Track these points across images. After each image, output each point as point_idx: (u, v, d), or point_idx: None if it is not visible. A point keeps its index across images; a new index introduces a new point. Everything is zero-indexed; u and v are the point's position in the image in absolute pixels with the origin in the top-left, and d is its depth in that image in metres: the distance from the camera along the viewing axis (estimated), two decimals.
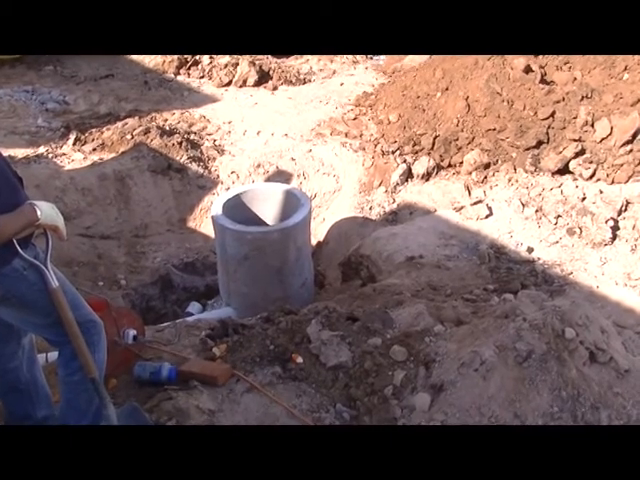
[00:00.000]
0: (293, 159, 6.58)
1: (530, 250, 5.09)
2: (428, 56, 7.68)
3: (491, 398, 2.74)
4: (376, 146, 6.58)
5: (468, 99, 6.39)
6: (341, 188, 6.50)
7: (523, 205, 5.51)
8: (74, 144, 6.40)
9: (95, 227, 5.74)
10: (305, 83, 8.44)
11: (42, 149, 6.23)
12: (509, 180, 5.88)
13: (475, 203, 5.64)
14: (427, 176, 6.25)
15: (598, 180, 5.56)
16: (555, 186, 5.61)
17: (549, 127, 5.92)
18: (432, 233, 5.32)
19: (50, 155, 6.15)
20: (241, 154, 6.63)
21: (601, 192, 5.43)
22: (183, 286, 5.66)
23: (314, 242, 5.99)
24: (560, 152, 5.78)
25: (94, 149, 6.36)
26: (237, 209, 4.89)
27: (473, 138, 6.23)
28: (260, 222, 5.08)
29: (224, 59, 8.33)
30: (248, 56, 8.29)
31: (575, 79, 6.15)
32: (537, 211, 5.42)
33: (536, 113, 5.99)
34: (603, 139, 5.61)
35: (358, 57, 9.37)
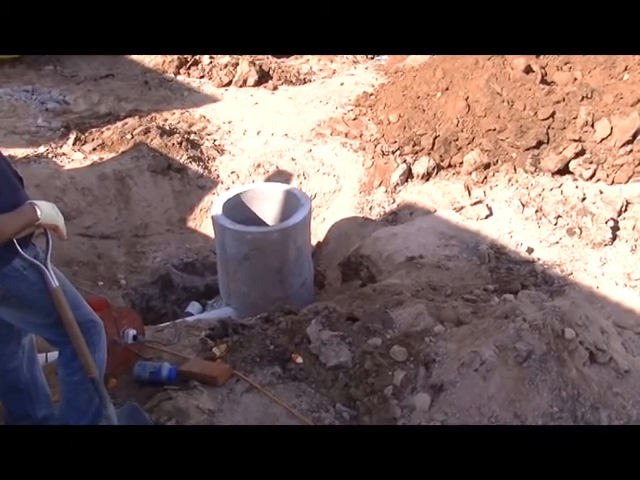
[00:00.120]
0: (293, 159, 6.58)
1: (530, 250, 5.09)
2: (429, 56, 7.67)
3: (491, 398, 2.74)
4: (376, 146, 6.58)
5: (468, 99, 6.39)
6: (341, 188, 6.50)
7: (523, 205, 5.51)
8: (74, 144, 6.40)
9: (95, 227, 5.74)
10: (305, 83, 8.44)
11: (42, 149, 6.23)
12: (509, 180, 5.88)
13: (475, 203, 5.64)
14: (427, 176, 6.25)
15: (598, 180, 5.55)
16: (555, 186, 5.61)
17: (549, 127, 5.92)
18: (432, 233, 5.32)
19: (50, 155, 6.15)
20: (241, 154, 6.63)
21: (601, 192, 5.43)
22: (183, 286, 5.66)
23: (314, 242, 5.99)
24: (560, 152, 5.78)
25: (94, 149, 6.36)
26: (237, 209, 4.89)
27: (473, 138, 6.23)
28: (260, 222, 5.08)
29: (224, 59, 8.33)
30: (248, 56, 8.29)
31: (575, 79, 6.15)
32: (537, 211, 5.42)
33: (536, 113, 5.99)
34: (603, 139, 5.61)
35: (358, 57, 9.37)
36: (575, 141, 5.75)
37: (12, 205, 2.08)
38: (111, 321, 2.99)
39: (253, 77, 8.10)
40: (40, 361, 2.68)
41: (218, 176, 6.45)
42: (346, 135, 6.91)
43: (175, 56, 8.39)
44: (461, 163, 6.21)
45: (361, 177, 6.40)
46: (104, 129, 6.64)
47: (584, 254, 5.02)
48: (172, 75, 8.32)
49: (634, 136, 5.51)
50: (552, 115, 5.93)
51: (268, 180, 6.37)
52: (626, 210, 5.24)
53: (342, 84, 8.25)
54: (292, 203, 4.88)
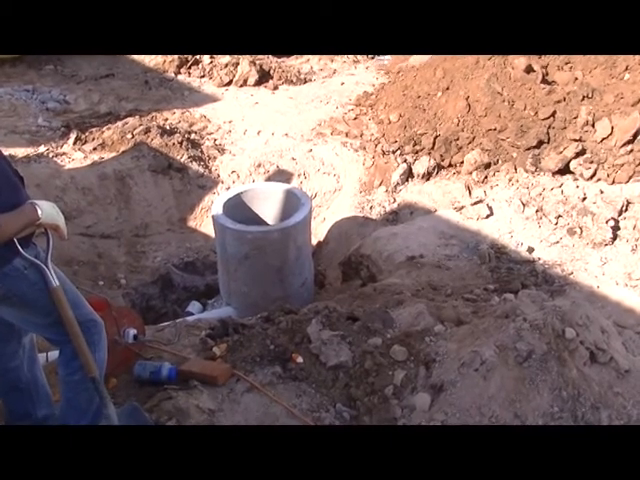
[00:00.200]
0: (294, 159, 6.58)
1: (530, 250, 5.09)
2: (430, 55, 7.67)
3: (491, 398, 2.74)
4: (377, 146, 6.58)
5: (469, 99, 6.39)
6: (341, 188, 6.50)
7: (524, 205, 5.51)
8: (74, 143, 6.40)
9: (95, 226, 5.74)
10: (306, 83, 8.44)
11: (42, 148, 6.23)
12: (509, 180, 5.88)
13: (475, 203, 5.64)
14: (427, 176, 6.25)
15: (599, 180, 5.55)
16: (556, 186, 5.61)
17: (550, 127, 5.92)
18: (432, 233, 5.32)
19: (50, 154, 6.15)
20: (241, 153, 6.63)
21: (602, 192, 5.43)
22: (183, 285, 5.66)
23: (314, 242, 5.99)
24: (561, 152, 5.78)
25: (94, 148, 6.36)
26: (237, 208, 4.89)
27: (474, 138, 6.23)
28: (260, 222, 5.08)
29: (225, 59, 8.33)
30: (249, 56, 8.28)
31: (576, 79, 6.14)
32: (537, 211, 5.42)
33: (537, 113, 5.99)
34: (604, 139, 5.61)
35: (359, 56, 9.36)
36: (576, 141, 5.75)
37: (13, 205, 2.08)
38: (111, 321, 2.99)
39: (254, 77, 8.10)
40: (40, 360, 2.69)
41: (218, 176, 6.45)
42: (346, 135, 6.90)
43: (175, 56, 8.39)
44: (462, 163, 6.21)
45: (361, 177, 6.40)
46: (104, 129, 6.63)
47: (585, 254, 5.02)
48: (172, 75, 8.31)
49: (635, 136, 5.51)
50: (553, 115, 5.92)
51: (268, 180, 6.37)
52: (627, 210, 5.24)
53: (343, 84, 8.25)
54: (292, 203, 4.88)
